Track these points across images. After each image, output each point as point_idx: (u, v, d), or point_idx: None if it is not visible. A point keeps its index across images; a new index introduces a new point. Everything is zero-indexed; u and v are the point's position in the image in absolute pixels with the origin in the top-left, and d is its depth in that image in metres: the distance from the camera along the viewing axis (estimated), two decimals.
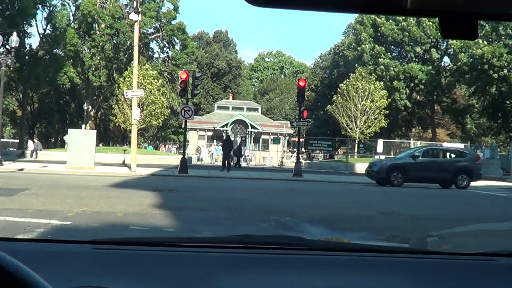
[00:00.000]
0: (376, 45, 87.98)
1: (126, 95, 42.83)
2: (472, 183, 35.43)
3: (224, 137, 43.22)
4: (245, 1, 1.64)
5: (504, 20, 1.81)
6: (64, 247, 2.91)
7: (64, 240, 3.04)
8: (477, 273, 2.85)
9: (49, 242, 3.06)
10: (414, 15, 1.86)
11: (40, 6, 74.16)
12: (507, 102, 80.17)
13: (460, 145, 58.76)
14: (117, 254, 2.79)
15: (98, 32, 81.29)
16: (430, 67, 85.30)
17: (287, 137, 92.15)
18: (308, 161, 73.42)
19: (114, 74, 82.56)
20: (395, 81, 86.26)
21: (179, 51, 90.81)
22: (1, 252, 1.55)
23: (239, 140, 65.75)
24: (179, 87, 41.26)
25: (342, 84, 74.51)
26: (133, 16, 39.31)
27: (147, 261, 2.69)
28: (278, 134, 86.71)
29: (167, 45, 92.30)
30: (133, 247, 2.94)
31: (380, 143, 61.89)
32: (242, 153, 52.80)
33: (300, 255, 2.96)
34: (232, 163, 46.47)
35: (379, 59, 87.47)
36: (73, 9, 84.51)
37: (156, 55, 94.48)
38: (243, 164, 64.02)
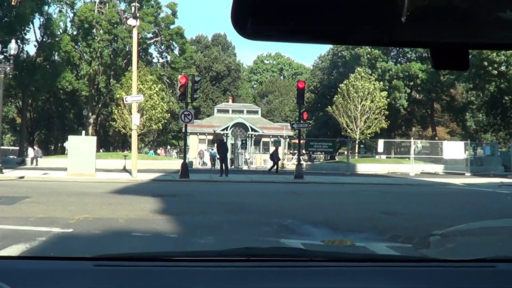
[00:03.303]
0: (373, 49, 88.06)
1: (126, 101, 42.87)
2: (473, 181, 35.42)
3: (218, 140, 42.79)
4: (238, 33, 1.67)
5: (495, 49, 1.81)
6: (65, 265, 2.88)
7: (65, 257, 3.01)
8: (477, 280, 2.83)
9: (50, 259, 3.02)
10: (406, 46, 1.85)
11: (37, 13, 74.10)
12: (506, 98, 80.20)
13: (461, 143, 58.79)
14: (120, 271, 2.76)
15: (96, 38, 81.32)
16: (429, 66, 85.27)
17: (288, 139, 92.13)
18: (309, 162, 73.44)
19: (112, 80, 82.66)
20: (395, 79, 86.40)
21: (178, 56, 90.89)
22: None
23: (237, 143, 65.82)
24: (178, 91, 41.20)
25: (342, 85, 74.49)
26: (131, 22, 39.31)
27: (150, 277, 2.67)
28: (279, 136, 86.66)
29: (165, 50, 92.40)
30: (136, 262, 2.91)
31: (381, 143, 61.84)
32: (279, 157, 52.86)
33: (302, 267, 2.94)
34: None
35: (377, 63, 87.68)
36: (71, 15, 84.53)
37: (155, 60, 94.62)
38: (244, 167, 64.08)
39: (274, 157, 50.10)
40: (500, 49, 1.79)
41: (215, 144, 46.41)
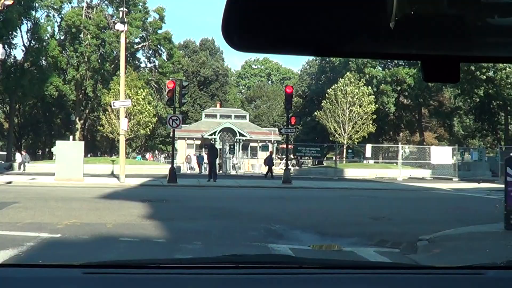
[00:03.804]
0: None
1: (113, 106, 42.78)
2: (460, 186, 35.50)
3: (208, 145, 42.78)
4: (230, 46, 1.69)
5: (485, 62, 1.82)
6: (54, 272, 2.87)
7: (54, 265, 3.00)
8: (466, 287, 2.84)
9: (39, 267, 3.01)
10: (396, 58, 1.86)
11: (24, 18, 73.83)
12: (494, 103, 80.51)
13: (448, 148, 58.95)
14: (108, 278, 2.76)
15: (83, 43, 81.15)
16: (417, 70, 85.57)
17: (275, 144, 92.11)
18: (297, 167, 73.46)
19: (99, 85, 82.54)
20: (382, 84, 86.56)
21: (166, 60, 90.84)
22: None
23: (225, 148, 65.73)
24: (166, 96, 41.17)
25: (330, 90, 74.50)
26: (119, 26, 39.25)
27: (139, 285, 2.67)
28: (267, 141, 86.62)
29: (153, 55, 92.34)
30: (125, 270, 2.91)
31: (369, 148, 61.90)
32: (273, 162, 52.65)
33: (291, 274, 2.95)
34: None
35: (364, 69, 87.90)
36: (58, 20, 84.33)
37: (143, 65, 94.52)
38: (232, 172, 64.02)
39: (269, 162, 50.09)
40: (490, 62, 1.80)
41: (203, 149, 46.41)
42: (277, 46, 1.72)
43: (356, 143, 73.16)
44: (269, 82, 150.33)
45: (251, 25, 1.63)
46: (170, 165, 40.26)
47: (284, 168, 44.23)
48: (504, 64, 71.42)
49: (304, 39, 1.68)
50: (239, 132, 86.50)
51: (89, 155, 76.85)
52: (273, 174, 49.07)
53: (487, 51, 1.74)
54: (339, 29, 1.64)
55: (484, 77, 72.16)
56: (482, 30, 1.67)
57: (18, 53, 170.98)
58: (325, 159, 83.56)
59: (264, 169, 67.02)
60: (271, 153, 55.23)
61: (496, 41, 1.70)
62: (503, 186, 15.19)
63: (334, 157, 63.66)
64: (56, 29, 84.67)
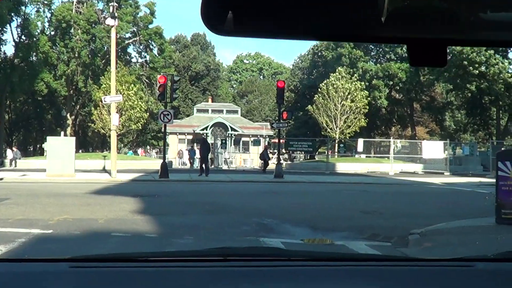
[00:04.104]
0: (354, 49, 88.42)
1: (104, 101, 42.68)
2: (452, 180, 35.57)
3: (200, 140, 42.61)
4: (209, 29, 1.66)
5: (473, 46, 1.80)
6: (40, 266, 2.85)
7: (40, 259, 2.98)
8: (456, 279, 2.84)
9: (25, 261, 2.99)
10: (383, 42, 1.84)
11: (14, 14, 73.59)
12: (486, 98, 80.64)
13: (440, 143, 59.10)
14: (95, 272, 2.74)
15: (74, 38, 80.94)
16: (409, 65, 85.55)
17: (267, 139, 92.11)
18: (288, 162, 73.49)
19: (89, 80, 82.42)
20: (374, 79, 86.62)
21: (157, 55, 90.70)
22: None
23: (217, 142, 65.71)
24: (157, 91, 41.14)
25: (322, 84, 74.49)
26: (109, 21, 39.12)
27: (126, 278, 2.65)
28: (258, 136, 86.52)
29: (144, 50, 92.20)
30: (112, 263, 2.89)
31: (361, 142, 61.94)
32: (269, 156, 52.49)
33: (280, 266, 2.94)
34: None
35: (358, 63, 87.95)
36: (49, 15, 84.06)
37: (134, 60, 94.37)
38: (224, 167, 63.97)
39: (265, 156, 50.06)
40: (477, 45, 1.78)
41: (195, 144, 46.31)
42: (259, 29, 1.70)
43: (348, 137, 73.17)
44: (261, 76, 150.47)
45: (231, 8, 1.61)
46: (162, 160, 40.21)
47: (275, 162, 44.19)
48: (496, 60, 71.69)
49: (287, 23, 1.66)
50: (231, 127, 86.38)
51: (80, 151, 76.66)
52: (266, 168, 49.08)
53: (474, 34, 1.72)
54: (323, 12, 1.62)
55: (476, 72, 72.30)
56: (469, 13, 1.66)
57: (8, 49, 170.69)
58: (317, 153, 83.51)
59: (257, 164, 67.20)
60: (266, 147, 55.19)
61: (483, 25, 1.69)
62: (494, 180, 15.22)
63: (326, 152, 63.66)
64: (46, 24, 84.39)
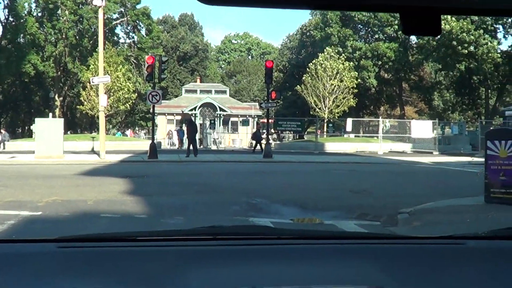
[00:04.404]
0: (343, 28, 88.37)
1: (92, 82, 42.52)
2: (441, 159, 35.67)
3: (187, 120, 42.41)
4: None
5: (466, 14, 1.76)
6: (28, 247, 2.83)
7: (27, 240, 2.97)
8: (446, 257, 2.83)
9: (12, 242, 2.97)
10: (374, 10, 1.81)
11: None
12: (475, 78, 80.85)
13: (429, 122, 59.22)
14: (83, 252, 2.73)
15: (61, 19, 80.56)
16: (398, 45, 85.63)
17: (256, 119, 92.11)
18: (277, 141, 73.53)
19: (76, 61, 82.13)
20: (363, 59, 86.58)
21: (145, 36, 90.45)
22: None
23: (206, 123, 65.61)
24: (145, 72, 41.03)
25: (311, 64, 74.46)
26: (97, 2, 38.85)
27: (114, 258, 2.64)
28: (247, 116, 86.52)
29: (132, 30, 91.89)
30: (99, 243, 2.88)
31: (349, 122, 61.96)
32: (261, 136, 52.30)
33: (268, 245, 2.93)
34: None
35: (347, 42, 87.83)
36: None
37: (121, 41, 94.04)
38: (213, 147, 63.93)
39: (257, 136, 50.02)
40: (472, 14, 1.75)
41: (183, 124, 46.19)
42: None
43: (336, 117, 73.22)
44: (249, 57, 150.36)
45: None
46: (150, 141, 40.15)
47: (264, 142, 44.17)
48: (485, 39, 71.78)
49: None
50: (219, 107, 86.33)
51: (69, 132, 76.48)
52: (249, 147, 49.03)
53: (468, 3, 1.70)
54: None
55: (465, 51, 72.41)
56: None
57: None
58: (306, 133, 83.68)
59: (246, 144, 67.16)
60: (259, 127, 55.06)
61: None
62: (483, 159, 15.26)
63: (315, 131, 63.70)
64: (34, 5, 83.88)
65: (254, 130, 54.82)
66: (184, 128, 50.08)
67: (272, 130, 62.93)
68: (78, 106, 73.88)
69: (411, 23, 1.71)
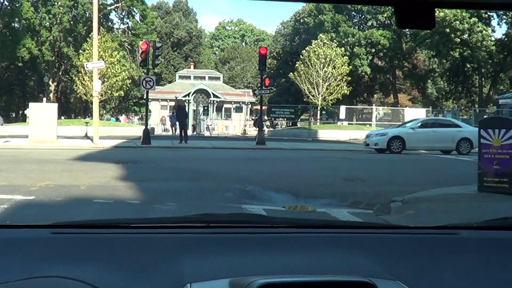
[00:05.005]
0: (337, 14, 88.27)
1: (87, 67, 42.43)
2: None
3: (177, 106, 42.26)
4: None
5: (460, 8, 1.75)
6: (22, 233, 2.83)
7: (21, 225, 2.96)
8: (439, 247, 2.84)
9: (6, 227, 2.97)
10: (368, 3, 1.80)
11: None
12: (468, 66, 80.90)
13: (422, 110, 59.27)
14: (77, 238, 2.73)
15: (56, 4, 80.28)
16: (391, 32, 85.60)
17: (250, 106, 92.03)
18: (271, 128, 73.54)
19: (71, 47, 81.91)
20: (356, 47, 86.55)
21: (139, 22, 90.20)
22: None
23: (199, 109, 65.63)
24: (139, 57, 40.94)
25: (304, 51, 74.43)
26: None
27: (108, 245, 2.64)
28: (241, 103, 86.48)
29: (126, 16, 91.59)
30: (94, 230, 2.88)
31: (343, 109, 62.11)
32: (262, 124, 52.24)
33: (262, 233, 2.94)
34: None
35: (339, 28, 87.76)
36: None
37: (116, 26, 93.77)
38: (206, 133, 63.91)
39: (258, 124, 50.03)
40: (465, 7, 1.75)
41: (174, 110, 46.13)
42: None
43: (330, 104, 73.30)
44: (243, 43, 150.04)
45: None
46: (144, 127, 40.12)
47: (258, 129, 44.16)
48: (479, 27, 71.82)
49: None
50: (213, 94, 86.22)
51: (62, 117, 76.34)
52: (242, 134, 48.97)
53: None
54: None
55: (459, 39, 72.46)
56: None
57: None
58: (299, 120, 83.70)
59: (239, 131, 67.17)
60: (261, 115, 55.07)
61: None
62: (476, 148, 15.28)
63: (308, 119, 63.74)
64: None
65: (255, 117, 54.60)
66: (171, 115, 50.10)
67: (266, 117, 62.88)
68: (72, 90, 73.72)
69: (406, 16, 1.71)
